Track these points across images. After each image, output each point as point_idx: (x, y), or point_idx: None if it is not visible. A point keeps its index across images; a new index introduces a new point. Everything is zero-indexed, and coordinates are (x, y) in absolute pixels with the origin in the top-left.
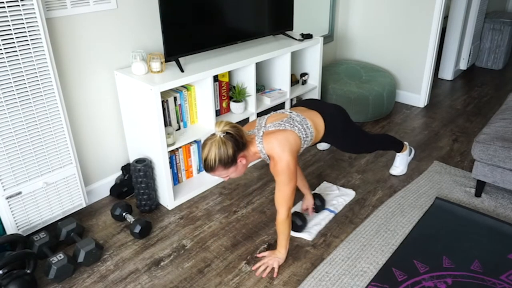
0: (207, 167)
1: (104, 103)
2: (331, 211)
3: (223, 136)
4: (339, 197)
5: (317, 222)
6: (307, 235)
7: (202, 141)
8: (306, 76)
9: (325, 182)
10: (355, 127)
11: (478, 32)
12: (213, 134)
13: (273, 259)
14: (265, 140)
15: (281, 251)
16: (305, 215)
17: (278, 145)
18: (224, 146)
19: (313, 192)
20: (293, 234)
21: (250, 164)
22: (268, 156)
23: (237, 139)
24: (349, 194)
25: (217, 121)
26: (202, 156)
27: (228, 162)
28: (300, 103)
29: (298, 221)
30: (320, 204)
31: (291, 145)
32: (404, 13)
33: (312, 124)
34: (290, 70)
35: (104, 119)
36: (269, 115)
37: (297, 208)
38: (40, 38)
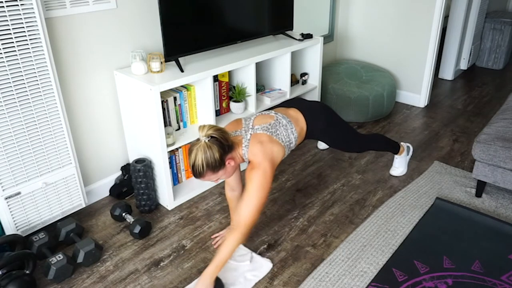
0: (195, 173)
1: (103, 103)
2: None
3: (208, 140)
4: (248, 272)
5: None
6: None
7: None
8: (306, 76)
9: (242, 246)
10: (341, 124)
11: (478, 32)
12: (198, 139)
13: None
14: (251, 144)
15: (208, 276)
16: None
17: (260, 152)
18: (210, 150)
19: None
20: None
21: None
22: (248, 160)
23: (222, 142)
24: (262, 268)
25: (200, 125)
26: (189, 162)
27: (216, 166)
28: (281, 103)
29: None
30: None
31: (273, 157)
32: (404, 13)
33: (297, 128)
34: (290, 70)
35: (103, 119)
36: (255, 115)
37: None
38: (39, 38)
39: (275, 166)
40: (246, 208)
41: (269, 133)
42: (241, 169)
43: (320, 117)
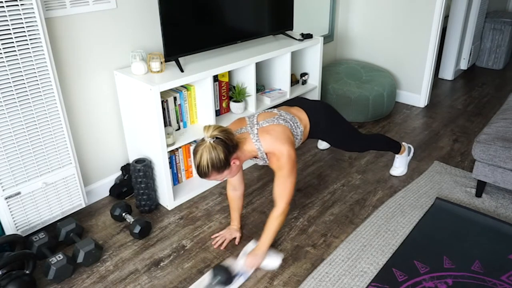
0: (200, 173)
1: (103, 103)
2: (242, 274)
3: (213, 141)
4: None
5: None
6: None
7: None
8: (306, 76)
9: (253, 240)
10: (343, 123)
11: (478, 32)
12: (203, 140)
13: (255, 260)
14: (262, 137)
15: (264, 249)
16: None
17: (275, 140)
18: (215, 151)
19: (219, 264)
20: None
21: (250, 165)
22: (266, 154)
23: (227, 143)
24: (274, 261)
25: (204, 125)
26: (194, 163)
27: (221, 166)
28: (283, 102)
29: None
30: (227, 277)
31: (288, 137)
32: (404, 13)
33: (300, 122)
34: (290, 70)
35: (103, 119)
36: (258, 113)
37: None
38: (39, 38)
39: (293, 145)
40: (283, 192)
41: (276, 123)
42: (243, 168)
43: (323, 116)
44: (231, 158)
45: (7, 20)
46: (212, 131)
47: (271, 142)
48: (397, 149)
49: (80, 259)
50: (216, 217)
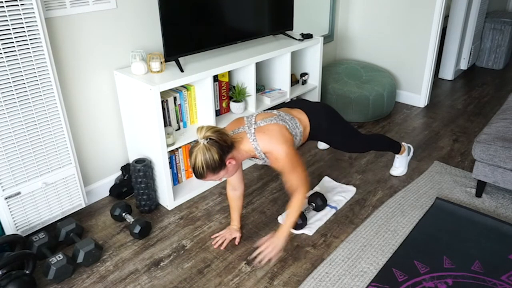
0: (196, 174)
1: (103, 103)
2: (333, 207)
3: (207, 142)
4: (340, 193)
5: (318, 218)
6: (308, 230)
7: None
8: (306, 76)
9: (326, 177)
10: (343, 124)
11: (478, 32)
12: (197, 141)
13: (275, 243)
14: (258, 137)
15: (286, 232)
16: (305, 212)
17: (271, 139)
18: (209, 152)
19: (314, 190)
20: (293, 231)
21: (250, 165)
22: (264, 153)
23: (221, 143)
24: (350, 191)
25: (197, 127)
26: (190, 164)
27: (216, 167)
28: (283, 104)
29: (298, 220)
30: (321, 203)
31: (285, 136)
32: (404, 13)
33: (300, 123)
34: (290, 70)
35: (103, 119)
36: (256, 113)
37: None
38: (39, 38)
39: (291, 143)
40: (296, 183)
41: (274, 122)
42: (243, 168)
43: (323, 117)
44: (226, 159)
45: (7, 20)
46: (205, 132)
47: (267, 141)
48: (397, 149)
49: (80, 259)
50: (216, 217)
